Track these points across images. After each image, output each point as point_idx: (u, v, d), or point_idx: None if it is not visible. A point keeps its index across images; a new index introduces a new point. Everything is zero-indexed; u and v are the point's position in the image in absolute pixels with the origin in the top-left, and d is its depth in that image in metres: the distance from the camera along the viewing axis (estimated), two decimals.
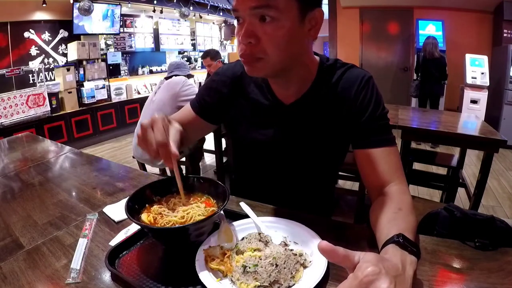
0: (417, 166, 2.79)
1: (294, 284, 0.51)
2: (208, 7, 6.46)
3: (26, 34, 3.91)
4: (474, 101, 4.09)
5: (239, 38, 0.63)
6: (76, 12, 4.10)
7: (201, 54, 6.81)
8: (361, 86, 0.73)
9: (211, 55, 3.18)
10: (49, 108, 3.87)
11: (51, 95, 3.92)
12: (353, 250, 0.42)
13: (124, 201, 0.63)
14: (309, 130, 0.77)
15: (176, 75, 2.40)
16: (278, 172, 0.84)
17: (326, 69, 0.75)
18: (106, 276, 0.56)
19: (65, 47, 4.38)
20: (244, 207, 0.71)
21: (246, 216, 0.68)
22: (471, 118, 2.40)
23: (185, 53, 6.58)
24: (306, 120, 0.76)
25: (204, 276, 0.52)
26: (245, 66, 0.67)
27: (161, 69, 5.77)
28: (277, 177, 0.84)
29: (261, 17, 0.59)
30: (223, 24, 7.56)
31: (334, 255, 0.42)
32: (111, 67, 4.92)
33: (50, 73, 4.20)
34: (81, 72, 4.40)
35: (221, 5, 6.69)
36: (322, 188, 0.90)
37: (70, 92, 4.20)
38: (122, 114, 4.92)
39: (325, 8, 5.40)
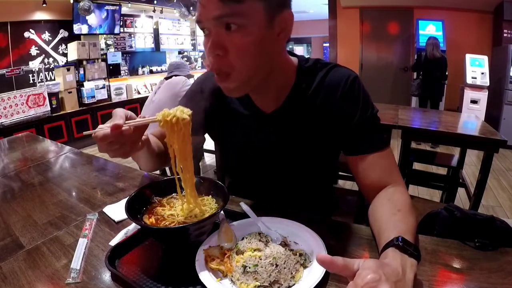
0: (417, 166, 2.78)
1: (294, 284, 0.51)
2: None
3: (26, 34, 3.91)
4: (474, 101, 4.09)
5: (206, 50, 0.60)
6: (76, 12, 4.10)
7: (201, 54, 6.83)
8: (345, 89, 0.69)
9: None
10: (49, 108, 3.87)
11: (51, 95, 3.92)
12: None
13: (124, 201, 0.63)
14: (295, 138, 0.74)
15: (176, 75, 2.41)
16: (270, 178, 0.82)
17: (305, 72, 0.71)
18: (106, 276, 0.56)
19: (65, 47, 4.37)
20: (244, 207, 0.71)
21: (246, 216, 0.68)
22: (471, 118, 2.40)
23: (185, 53, 6.57)
24: (290, 129, 0.73)
25: (204, 276, 0.52)
26: (220, 85, 0.65)
27: (161, 69, 5.76)
28: (270, 182, 0.82)
29: (227, 25, 0.56)
30: None
31: (334, 266, 0.42)
32: (111, 67, 4.91)
33: (50, 73, 4.19)
34: (81, 72, 4.39)
35: None
36: (318, 190, 0.89)
37: (70, 92, 4.19)
38: None
39: (325, 8, 5.40)
